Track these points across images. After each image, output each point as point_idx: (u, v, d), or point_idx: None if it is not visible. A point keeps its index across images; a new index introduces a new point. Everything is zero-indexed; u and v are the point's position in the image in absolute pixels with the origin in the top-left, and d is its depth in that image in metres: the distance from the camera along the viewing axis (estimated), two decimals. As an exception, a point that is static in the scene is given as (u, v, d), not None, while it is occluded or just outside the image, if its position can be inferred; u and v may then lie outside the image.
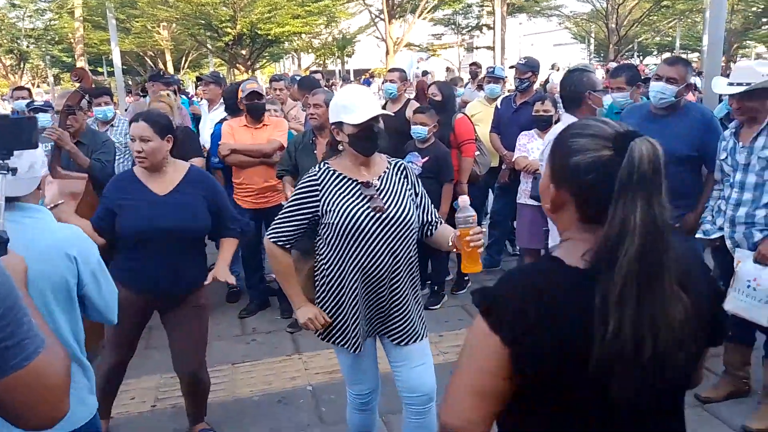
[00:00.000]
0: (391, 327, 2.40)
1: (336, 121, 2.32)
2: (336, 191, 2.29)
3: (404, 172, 2.44)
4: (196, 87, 12.07)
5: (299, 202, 2.32)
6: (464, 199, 2.25)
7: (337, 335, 2.39)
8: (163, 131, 2.75)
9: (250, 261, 4.79)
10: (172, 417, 3.28)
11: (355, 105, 2.27)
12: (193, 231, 2.82)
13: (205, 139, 5.29)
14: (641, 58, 32.60)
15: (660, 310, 1.07)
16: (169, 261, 2.75)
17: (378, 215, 2.27)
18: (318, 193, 2.30)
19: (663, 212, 1.09)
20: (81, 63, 21.56)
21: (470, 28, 31.97)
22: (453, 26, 31.87)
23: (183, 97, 7.08)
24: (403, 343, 2.40)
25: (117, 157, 4.43)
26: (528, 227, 4.50)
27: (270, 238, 2.34)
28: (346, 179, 2.32)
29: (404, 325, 2.39)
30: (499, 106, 5.31)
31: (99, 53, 26.71)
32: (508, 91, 6.15)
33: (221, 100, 5.49)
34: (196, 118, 6.18)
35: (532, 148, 4.55)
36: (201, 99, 7.75)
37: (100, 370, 2.97)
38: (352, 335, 2.37)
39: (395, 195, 2.34)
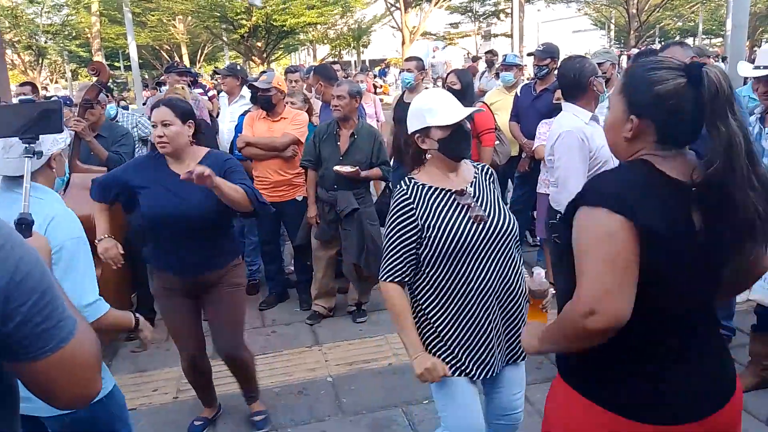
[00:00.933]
0: (512, 344, 2.17)
1: (421, 128, 2.10)
2: (432, 206, 2.08)
3: (492, 176, 2.25)
4: (211, 78, 12.07)
5: (400, 228, 2.08)
6: (539, 273, 1.85)
7: (455, 364, 2.12)
8: (184, 116, 2.72)
9: (268, 252, 4.79)
10: (194, 408, 3.30)
11: (442, 107, 2.09)
12: (199, 216, 2.71)
13: (224, 132, 5.29)
14: (663, 44, 32.14)
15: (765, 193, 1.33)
16: (190, 244, 2.75)
17: (480, 225, 2.06)
18: (414, 211, 2.08)
19: (742, 115, 1.34)
20: (98, 58, 21.75)
21: (487, 15, 31.67)
22: (470, 14, 31.60)
23: (198, 90, 7.08)
24: (520, 359, 2.20)
25: None
26: (548, 217, 4.44)
27: (384, 278, 2.10)
28: (438, 190, 2.11)
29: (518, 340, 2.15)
30: (519, 94, 5.25)
31: (115, 47, 26.97)
32: (528, 78, 6.07)
33: (241, 93, 5.49)
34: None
35: (552, 136, 4.48)
36: (211, 91, 7.73)
37: (183, 372, 3.13)
38: (477, 363, 2.11)
39: (491, 201, 2.15)
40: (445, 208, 2.07)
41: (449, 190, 2.11)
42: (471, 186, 2.15)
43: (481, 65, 11.73)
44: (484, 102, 5.25)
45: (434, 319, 2.11)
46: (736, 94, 1.30)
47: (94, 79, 3.87)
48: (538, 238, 5.32)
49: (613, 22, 32.84)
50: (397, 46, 27.51)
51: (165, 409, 3.42)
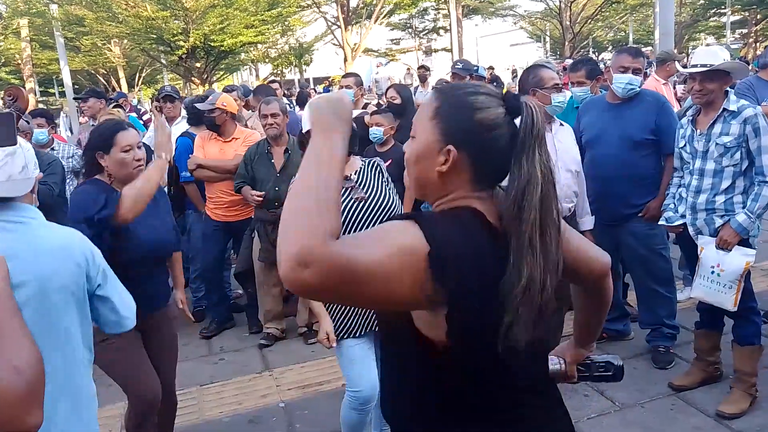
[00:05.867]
0: None
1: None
2: None
3: (378, 168, 2.63)
4: (152, 102, 11.74)
5: None
6: None
7: (343, 328, 2.53)
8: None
9: (210, 280, 4.66)
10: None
11: None
12: (173, 244, 2.78)
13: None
14: (596, 54, 33.32)
15: (552, 253, 1.13)
16: (157, 276, 2.69)
17: (361, 204, 2.45)
18: None
19: (550, 160, 1.16)
20: (30, 84, 20.94)
21: (427, 31, 32.21)
22: (410, 30, 32.07)
23: (132, 114, 6.88)
24: None
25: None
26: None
27: None
28: None
29: None
30: None
31: (49, 73, 26.04)
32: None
33: (181, 115, 5.37)
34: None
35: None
36: (146, 114, 7.54)
37: (144, 416, 2.64)
38: (356, 325, 2.53)
39: (373, 186, 2.54)
40: None
41: None
42: (355, 174, 2.53)
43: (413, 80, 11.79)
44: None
45: None
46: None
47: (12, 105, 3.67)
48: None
49: (548, 34, 33.90)
50: (340, 64, 27.61)
51: (107, 449, 3.25)
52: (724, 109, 2.96)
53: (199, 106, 4.45)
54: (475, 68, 6.15)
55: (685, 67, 3.28)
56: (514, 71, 18.83)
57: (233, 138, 4.46)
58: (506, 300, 1.10)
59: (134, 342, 2.60)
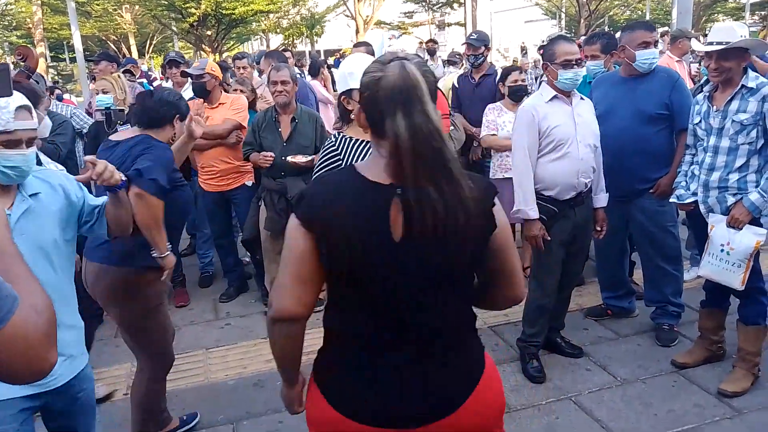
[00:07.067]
0: None
1: (345, 90, 2.43)
2: (356, 155, 2.35)
3: None
4: (163, 72, 11.68)
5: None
6: None
7: None
8: None
9: (223, 245, 4.69)
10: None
11: (362, 70, 2.34)
12: None
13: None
14: (612, 32, 32.76)
15: (454, 191, 1.29)
16: None
17: None
18: (341, 161, 2.34)
19: (428, 120, 1.28)
20: (40, 48, 20.88)
21: (441, 4, 31.78)
22: (423, 3, 31.63)
23: (143, 80, 6.87)
24: None
25: None
26: (508, 204, 4.44)
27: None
28: (363, 142, 2.36)
29: None
30: (456, 85, 5.24)
31: (59, 38, 25.97)
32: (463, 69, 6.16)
33: (189, 82, 5.34)
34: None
35: (503, 122, 4.44)
36: (157, 81, 7.53)
37: (145, 384, 2.77)
38: None
39: None
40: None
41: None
42: None
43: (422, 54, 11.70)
44: (438, 88, 5.23)
45: None
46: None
47: (22, 64, 3.66)
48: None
49: (563, 11, 33.33)
50: (351, 36, 27.31)
51: (115, 405, 3.30)
52: (743, 86, 2.91)
53: (188, 71, 4.44)
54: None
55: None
56: (523, 48, 18.80)
57: (220, 104, 4.43)
58: (412, 231, 1.30)
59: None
